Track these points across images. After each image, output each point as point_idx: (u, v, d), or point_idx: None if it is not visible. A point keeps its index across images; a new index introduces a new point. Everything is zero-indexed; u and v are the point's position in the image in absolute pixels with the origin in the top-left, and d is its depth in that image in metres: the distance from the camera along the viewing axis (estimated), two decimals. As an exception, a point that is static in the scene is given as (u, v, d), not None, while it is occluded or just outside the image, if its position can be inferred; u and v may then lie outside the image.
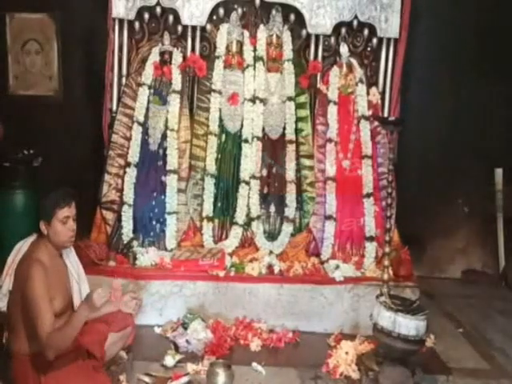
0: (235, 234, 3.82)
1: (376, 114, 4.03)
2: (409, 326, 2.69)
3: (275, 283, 3.51)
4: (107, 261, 3.57)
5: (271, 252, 3.77)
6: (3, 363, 2.52)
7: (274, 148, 4.01)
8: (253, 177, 3.90)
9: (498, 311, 4.13)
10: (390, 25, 4.01)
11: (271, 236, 3.87)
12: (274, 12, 4.01)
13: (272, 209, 3.93)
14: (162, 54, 3.97)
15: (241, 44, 3.99)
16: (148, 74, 3.94)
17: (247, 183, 3.88)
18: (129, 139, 3.86)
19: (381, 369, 2.83)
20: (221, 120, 3.96)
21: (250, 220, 3.86)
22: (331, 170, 3.95)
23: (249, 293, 3.49)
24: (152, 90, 3.94)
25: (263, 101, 3.97)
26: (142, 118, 3.89)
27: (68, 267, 2.56)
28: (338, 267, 3.66)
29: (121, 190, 3.80)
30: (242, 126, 3.97)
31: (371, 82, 4.15)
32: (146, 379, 2.75)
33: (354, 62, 4.09)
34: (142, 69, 3.97)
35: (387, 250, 3.09)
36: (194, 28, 4.00)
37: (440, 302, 4.20)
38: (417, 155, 4.66)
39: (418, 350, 2.82)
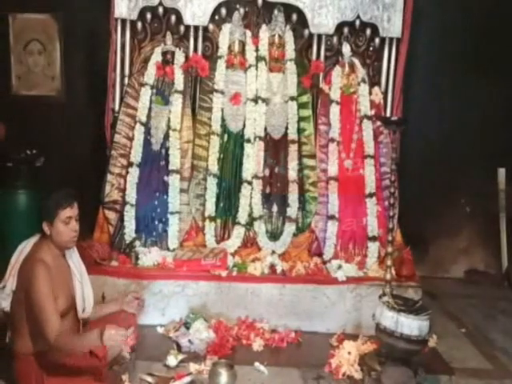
0: (237, 234, 3.82)
1: (378, 113, 4.02)
2: (411, 326, 2.69)
3: (277, 283, 3.51)
4: (110, 261, 3.58)
5: (273, 252, 3.77)
6: (6, 363, 2.53)
7: (276, 148, 4.01)
8: (255, 177, 3.90)
9: (500, 311, 4.13)
10: (393, 24, 4.00)
11: (273, 236, 3.87)
12: (276, 12, 4.01)
13: (274, 209, 3.93)
14: (164, 54, 3.97)
15: (243, 44, 4.00)
16: (150, 74, 3.94)
17: (249, 183, 3.88)
18: (131, 139, 3.87)
19: (383, 369, 2.83)
20: (223, 120, 3.96)
21: (252, 220, 3.86)
22: (333, 170, 3.95)
23: (251, 293, 3.49)
24: (154, 90, 3.95)
25: (265, 101, 3.97)
26: (144, 118, 3.89)
27: (71, 267, 2.57)
28: (340, 267, 3.66)
29: (123, 190, 3.80)
30: (244, 125, 3.96)
31: (373, 81, 4.14)
32: (149, 379, 2.75)
33: (356, 61, 4.08)
34: (144, 69, 3.98)
35: (390, 249, 3.09)
36: (196, 28, 4.01)
37: (442, 302, 4.20)
38: (419, 155, 4.65)
39: (421, 350, 2.82)
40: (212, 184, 3.86)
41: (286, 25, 4.03)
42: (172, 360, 2.93)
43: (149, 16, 3.99)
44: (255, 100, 3.97)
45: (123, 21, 3.95)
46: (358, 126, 4.04)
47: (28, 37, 4.65)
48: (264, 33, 4.02)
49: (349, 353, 2.99)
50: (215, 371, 2.69)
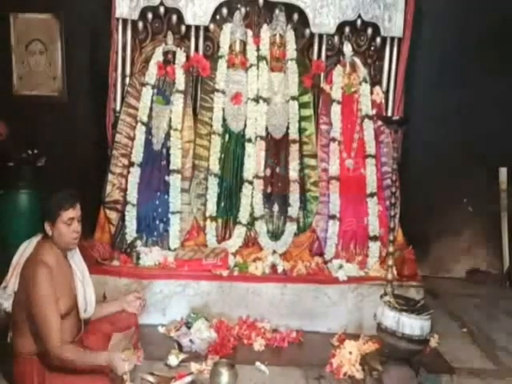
0: (239, 234, 3.82)
1: (380, 113, 4.02)
2: (413, 325, 2.68)
3: (279, 283, 3.51)
4: (111, 260, 3.58)
5: (275, 251, 3.77)
6: (8, 362, 2.53)
7: (277, 147, 4.01)
8: (256, 176, 3.90)
9: (502, 311, 4.12)
10: (394, 24, 4.00)
11: (275, 235, 3.87)
12: (277, 11, 4.01)
13: (275, 208, 3.93)
14: (165, 53, 3.98)
15: (244, 44, 3.99)
16: (151, 74, 3.94)
17: (250, 183, 3.88)
18: (132, 139, 3.87)
19: (385, 369, 2.82)
20: (224, 120, 3.96)
21: (253, 220, 3.85)
22: (335, 170, 3.95)
23: (252, 292, 3.49)
24: (155, 90, 3.95)
25: (267, 100, 3.97)
26: (145, 118, 3.90)
27: (72, 267, 2.57)
28: (341, 267, 3.65)
29: (124, 190, 3.81)
30: (245, 125, 3.96)
31: (375, 81, 4.14)
32: (150, 379, 2.75)
33: (357, 61, 4.08)
34: (145, 69, 3.98)
35: (391, 249, 3.08)
36: (197, 28, 4.00)
37: (444, 302, 4.19)
38: (421, 154, 4.65)
39: (422, 349, 2.81)
40: (213, 184, 3.86)
41: (287, 24, 4.03)
42: (173, 360, 2.93)
43: (150, 16, 3.99)
44: (256, 100, 3.97)
45: (124, 21, 3.95)
46: (359, 125, 4.03)
47: (29, 37, 4.66)
48: (265, 32, 4.02)
49: (350, 353, 2.98)
50: (216, 371, 2.69)
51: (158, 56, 3.97)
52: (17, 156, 4.23)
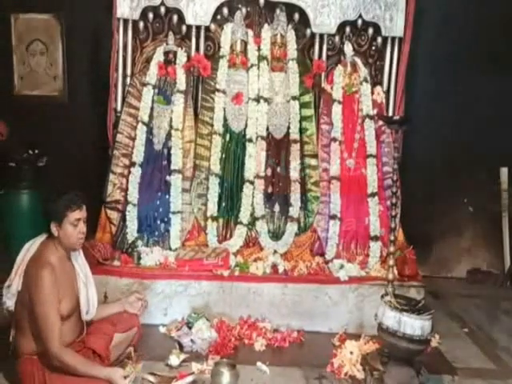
0: (239, 234, 3.82)
1: (380, 113, 4.02)
2: (414, 325, 2.68)
3: (280, 283, 3.51)
4: (112, 260, 3.58)
5: (275, 251, 3.77)
6: (9, 362, 2.54)
7: (278, 147, 4.01)
8: (257, 176, 3.90)
9: (503, 311, 4.12)
10: (395, 24, 4.00)
11: (275, 235, 3.87)
12: (278, 11, 4.01)
13: (276, 208, 3.93)
14: (166, 53, 3.98)
15: (245, 43, 3.99)
16: (152, 74, 3.94)
17: (251, 183, 3.88)
18: (133, 139, 3.87)
19: (386, 369, 2.82)
20: (225, 119, 3.96)
21: (254, 219, 3.86)
22: (335, 170, 3.95)
23: (253, 292, 3.49)
24: (156, 90, 3.95)
25: (267, 100, 3.97)
26: (146, 118, 3.90)
27: (76, 269, 2.58)
28: (342, 267, 3.65)
29: (125, 190, 3.81)
30: (246, 125, 3.97)
31: (376, 81, 4.14)
32: (151, 378, 2.74)
33: (358, 61, 4.08)
34: (146, 69, 3.98)
35: (392, 249, 3.08)
36: (198, 28, 4.01)
37: (445, 302, 4.19)
38: (422, 154, 4.64)
39: (423, 349, 2.80)
40: (214, 184, 3.86)
41: (287, 24, 4.03)
42: (174, 359, 2.93)
43: (151, 16, 3.99)
44: (257, 99, 3.97)
45: (125, 21, 3.95)
46: (360, 125, 4.03)
47: (30, 37, 4.67)
48: (266, 32, 4.02)
49: (351, 352, 2.98)
50: (217, 371, 2.69)
51: (158, 56, 3.97)
52: (18, 156, 4.24)
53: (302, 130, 4.00)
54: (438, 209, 4.71)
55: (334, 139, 3.98)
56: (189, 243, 3.81)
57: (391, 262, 3.06)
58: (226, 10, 4.04)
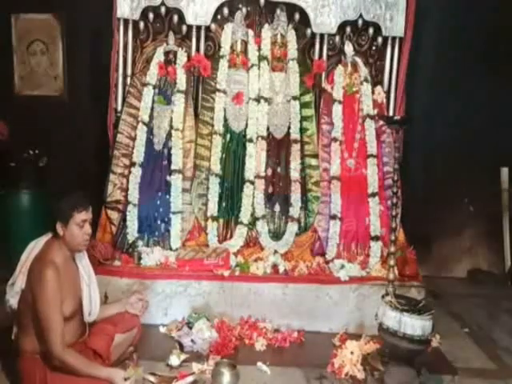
0: (240, 234, 3.82)
1: (381, 113, 4.01)
2: (414, 325, 2.68)
3: (280, 283, 3.51)
4: (112, 260, 3.58)
5: (276, 251, 3.76)
6: (10, 362, 2.55)
7: (278, 147, 4.01)
8: (257, 176, 3.89)
9: (504, 311, 4.12)
10: (395, 23, 3.99)
11: (276, 235, 3.86)
12: (278, 11, 4.01)
13: (277, 208, 3.93)
14: (166, 53, 3.97)
15: (245, 43, 3.99)
16: (153, 74, 3.94)
17: (252, 183, 3.88)
18: (134, 139, 3.87)
19: (386, 369, 2.82)
20: (225, 119, 3.96)
21: (254, 219, 3.85)
22: (336, 170, 3.94)
23: (254, 292, 3.49)
24: (157, 90, 3.95)
25: (268, 100, 3.97)
26: (146, 118, 3.90)
27: (79, 270, 2.58)
28: (343, 267, 3.65)
29: (126, 190, 3.80)
30: (246, 125, 3.96)
31: (376, 80, 4.13)
32: (152, 379, 2.74)
33: (358, 60, 4.08)
34: (146, 69, 3.97)
35: (392, 249, 3.08)
36: (198, 28, 4.00)
37: (446, 302, 4.19)
38: (422, 154, 4.65)
39: (424, 349, 2.81)
40: (214, 184, 3.86)
41: (288, 24, 4.03)
42: (174, 360, 2.93)
43: (151, 16, 3.99)
44: (257, 99, 3.97)
45: (125, 21, 3.95)
46: (360, 125, 4.03)
47: (31, 37, 4.67)
48: (266, 32, 4.01)
49: (351, 352, 2.98)
50: (218, 371, 2.69)
51: (159, 56, 3.97)
52: (18, 156, 4.24)
53: (302, 130, 4.00)
54: (438, 209, 4.71)
55: (335, 139, 3.98)
56: (189, 243, 3.81)
57: (392, 262, 3.07)
58: (226, 10, 4.04)
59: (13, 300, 2.49)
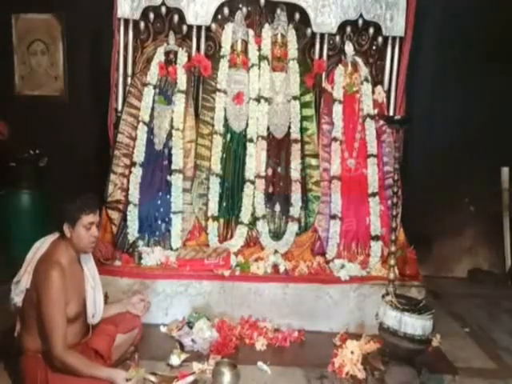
0: (240, 234, 3.82)
1: (381, 112, 4.01)
2: (415, 325, 2.68)
3: (280, 282, 3.51)
4: (113, 260, 3.59)
5: (276, 251, 3.76)
6: (13, 360, 2.55)
7: (278, 147, 4.01)
8: (258, 176, 3.90)
9: (504, 311, 4.12)
10: (396, 23, 3.99)
11: (276, 235, 3.86)
12: (278, 11, 4.01)
13: (277, 208, 3.93)
14: (167, 53, 3.98)
15: (246, 43, 3.99)
16: (153, 74, 3.94)
17: (252, 182, 3.88)
18: (134, 139, 3.87)
19: (387, 368, 2.82)
20: (226, 119, 3.96)
21: (255, 219, 3.85)
22: (336, 169, 3.94)
23: (254, 292, 3.49)
24: (157, 90, 3.95)
25: (268, 100, 3.97)
26: (147, 118, 3.90)
27: (84, 272, 2.59)
28: (343, 266, 3.65)
29: (126, 190, 3.80)
30: (246, 125, 3.96)
31: (376, 80, 4.13)
32: (152, 378, 2.74)
33: (359, 60, 4.08)
34: (147, 69, 3.97)
35: (393, 249, 3.08)
36: (198, 27, 4.01)
37: (446, 302, 4.19)
38: (423, 154, 4.64)
39: (424, 349, 2.81)
40: (215, 183, 3.86)
41: (288, 24, 4.03)
42: (175, 359, 2.93)
43: (151, 16, 4.00)
44: (258, 99, 3.97)
45: (126, 20, 3.95)
46: (360, 125, 4.03)
47: (31, 37, 4.67)
48: (267, 32, 4.02)
49: (352, 352, 2.98)
50: (218, 370, 2.69)
51: (159, 56, 3.97)
52: (19, 156, 4.25)
53: (302, 130, 4.00)
54: (438, 208, 4.71)
55: (335, 139, 3.98)
56: (190, 243, 3.81)
57: (392, 261, 3.07)
58: (226, 10, 4.04)
59: (17, 298, 2.50)
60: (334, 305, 3.50)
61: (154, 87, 3.94)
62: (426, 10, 4.24)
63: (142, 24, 4.00)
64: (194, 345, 3.12)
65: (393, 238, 3.07)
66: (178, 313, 3.45)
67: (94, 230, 2.48)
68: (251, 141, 3.92)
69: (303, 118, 4.00)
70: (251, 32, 4.04)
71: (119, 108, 3.97)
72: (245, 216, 3.84)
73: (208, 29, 4.04)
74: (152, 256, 3.62)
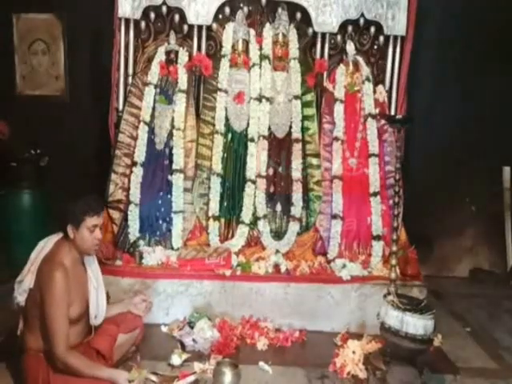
0: (241, 233, 3.82)
1: (383, 112, 4.01)
2: (416, 325, 2.68)
3: (282, 282, 3.51)
4: (114, 260, 3.58)
5: (278, 251, 3.76)
6: (15, 359, 2.55)
7: (280, 147, 4.00)
8: (259, 176, 3.89)
9: (505, 310, 4.11)
10: (397, 22, 3.99)
11: (277, 235, 3.86)
12: (280, 10, 4.01)
13: (278, 208, 3.92)
14: (167, 53, 3.97)
15: (247, 43, 3.99)
16: (154, 74, 3.94)
17: (253, 182, 3.88)
18: (135, 138, 3.87)
19: (388, 368, 2.82)
20: (227, 119, 3.96)
21: (256, 219, 3.85)
22: (338, 169, 3.94)
23: (255, 292, 3.49)
24: (158, 90, 3.95)
25: (269, 99, 3.97)
26: (148, 118, 3.89)
27: (88, 273, 2.59)
28: (344, 266, 3.65)
29: (127, 190, 3.80)
30: (248, 124, 3.96)
31: (378, 80, 4.13)
32: (153, 378, 2.74)
33: (360, 60, 4.07)
34: (148, 68, 3.97)
35: (394, 248, 3.08)
36: (199, 27, 4.00)
37: (447, 302, 4.19)
38: (424, 153, 4.64)
39: (426, 349, 2.81)
40: (216, 183, 3.86)
41: (289, 23, 4.02)
42: (176, 359, 2.93)
43: (152, 15, 4.00)
44: (259, 99, 3.96)
45: (127, 20, 3.95)
46: (362, 124, 4.02)
47: (32, 37, 4.67)
48: (268, 31, 4.01)
49: (353, 352, 2.98)
50: (219, 370, 2.69)
51: (160, 55, 3.97)
52: (19, 156, 4.24)
53: (303, 130, 3.99)
54: (440, 208, 4.71)
55: (336, 138, 3.97)
56: (191, 243, 3.81)
57: (394, 261, 3.07)
58: (227, 10, 4.04)
59: (20, 297, 2.50)
60: (336, 305, 3.50)
61: (155, 87, 3.94)
62: (427, 10, 4.23)
63: (143, 23, 4.00)
64: (195, 345, 3.12)
65: (394, 237, 3.06)
66: (179, 313, 3.45)
67: (97, 232, 2.48)
68: (252, 140, 3.92)
69: (304, 118, 4.00)
70: (252, 31, 4.03)
71: (120, 108, 3.97)
72: (246, 216, 3.84)
73: (209, 28, 4.04)
74: (153, 256, 3.61)
